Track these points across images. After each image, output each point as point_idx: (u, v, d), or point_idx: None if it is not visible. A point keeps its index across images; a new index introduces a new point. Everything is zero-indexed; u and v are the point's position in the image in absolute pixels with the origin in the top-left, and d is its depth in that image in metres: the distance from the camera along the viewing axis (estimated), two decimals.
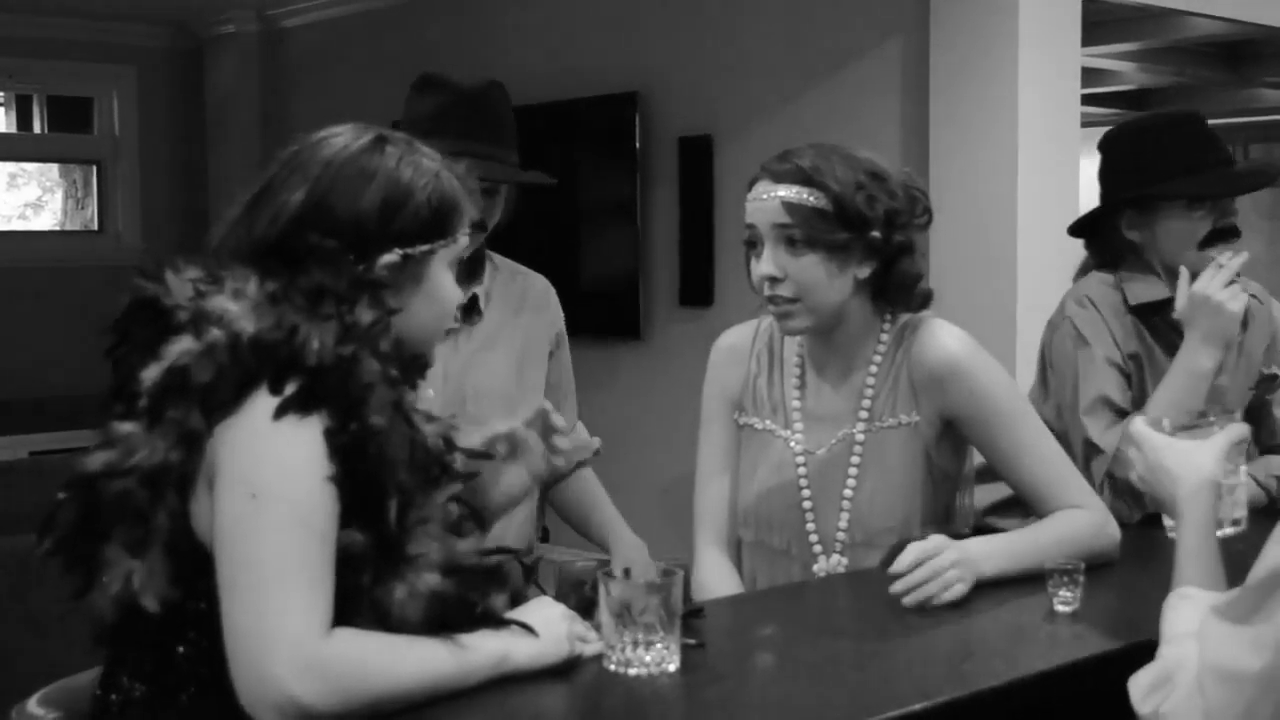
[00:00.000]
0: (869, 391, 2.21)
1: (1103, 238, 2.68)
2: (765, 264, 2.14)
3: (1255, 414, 2.65)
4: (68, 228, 8.25)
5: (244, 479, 1.44)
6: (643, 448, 5.43)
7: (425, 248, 1.63)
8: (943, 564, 1.94)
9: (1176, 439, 1.87)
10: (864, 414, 2.21)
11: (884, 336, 2.22)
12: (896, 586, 1.94)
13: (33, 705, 1.70)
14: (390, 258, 1.60)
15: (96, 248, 7.84)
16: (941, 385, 2.17)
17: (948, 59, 4.54)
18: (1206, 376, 2.46)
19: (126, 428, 1.49)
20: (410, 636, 1.48)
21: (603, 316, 5.82)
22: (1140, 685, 1.56)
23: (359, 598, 1.47)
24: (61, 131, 8.19)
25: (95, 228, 8.07)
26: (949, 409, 2.18)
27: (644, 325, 5.72)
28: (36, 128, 8.14)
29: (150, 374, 1.49)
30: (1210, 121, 2.68)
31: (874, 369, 2.21)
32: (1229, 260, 2.48)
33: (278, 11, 7.43)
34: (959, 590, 1.94)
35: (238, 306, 1.50)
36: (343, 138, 1.64)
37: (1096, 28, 5.36)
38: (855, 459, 2.19)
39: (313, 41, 7.32)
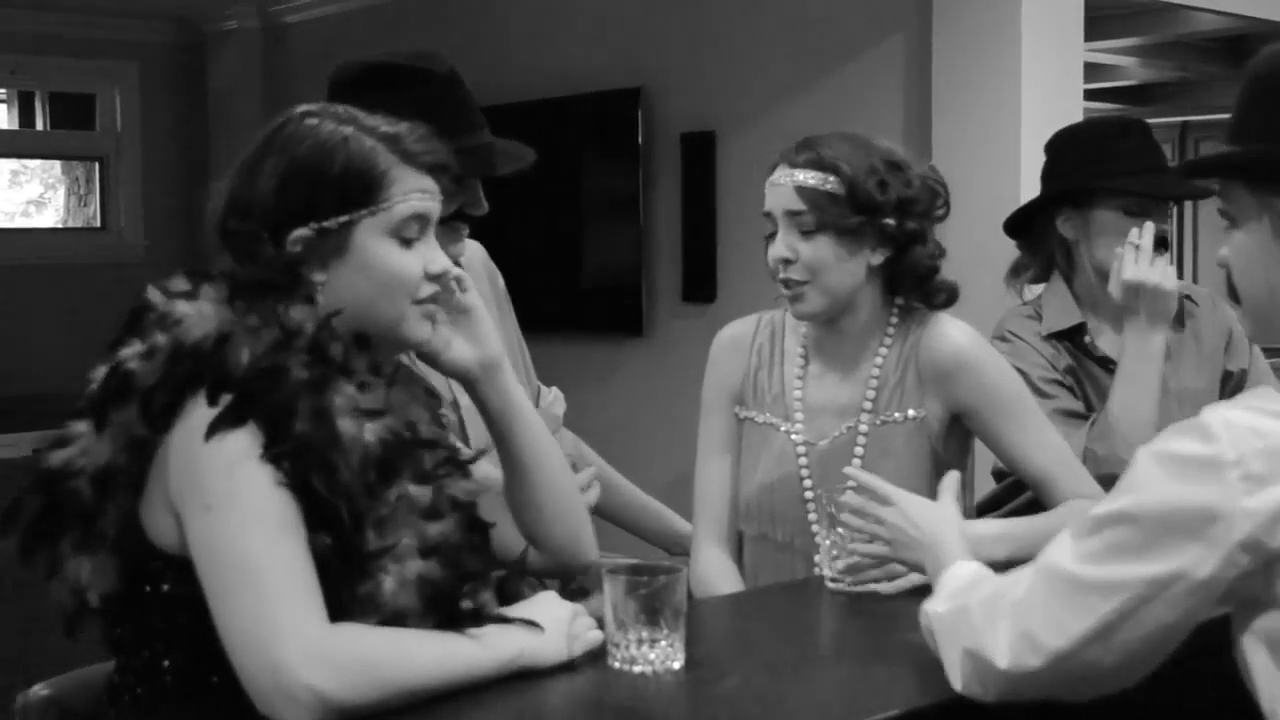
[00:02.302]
0: (874, 384, 2.21)
1: (1037, 236, 2.73)
2: (778, 246, 2.16)
3: None
4: (70, 225, 8.26)
5: (197, 494, 1.44)
6: (645, 445, 5.43)
7: (344, 219, 1.57)
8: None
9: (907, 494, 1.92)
10: (868, 405, 2.21)
11: (890, 329, 2.23)
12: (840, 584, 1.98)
13: (36, 690, 1.74)
14: (301, 232, 1.55)
15: (99, 245, 7.86)
16: (949, 378, 2.18)
17: (950, 55, 4.53)
18: (1159, 356, 2.51)
19: (80, 427, 1.50)
20: (419, 630, 1.47)
21: (605, 313, 5.83)
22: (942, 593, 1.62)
23: (349, 601, 1.45)
24: (64, 128, 8.19)
25: (98, 225, 8.08)
26: (956, 402, 2.18)
27: (646, 322, 5.72)
28: (39, 124, 8.15)
29: (96, 374, 1.49)
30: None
31: (879, 361, 2.22)
32: (1142, 239, 2.52)
33: (279, 7, 7.43)
34: (901, 584, 1.95)
35: (196, 310, 1.48)
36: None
37: (1099, 22, 5.36)
38: (859, 450, 2.19)
39: (314, 37, 7.32)
